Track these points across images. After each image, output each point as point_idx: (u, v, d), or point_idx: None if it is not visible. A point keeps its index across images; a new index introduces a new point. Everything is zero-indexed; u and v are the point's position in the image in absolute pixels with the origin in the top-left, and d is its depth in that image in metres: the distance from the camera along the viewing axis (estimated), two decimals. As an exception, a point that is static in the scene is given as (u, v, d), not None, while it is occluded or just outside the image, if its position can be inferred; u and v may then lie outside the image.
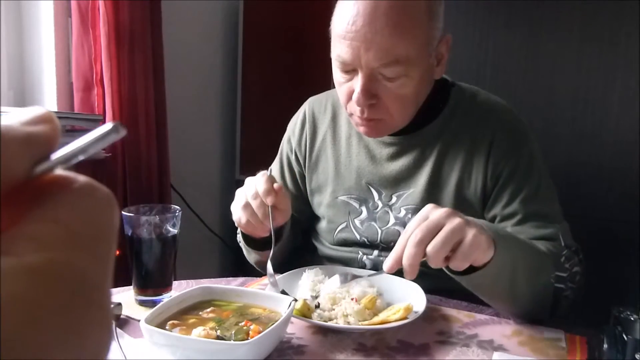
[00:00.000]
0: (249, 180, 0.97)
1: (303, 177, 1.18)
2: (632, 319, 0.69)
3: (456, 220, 0.75)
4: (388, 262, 0.77)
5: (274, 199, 0.93)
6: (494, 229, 0.81)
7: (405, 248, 0.75)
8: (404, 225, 1.05)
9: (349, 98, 0.96)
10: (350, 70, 0.94)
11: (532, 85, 1.77)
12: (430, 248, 0.74)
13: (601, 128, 1.71)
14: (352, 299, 0.86)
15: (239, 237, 1.12)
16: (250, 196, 0.94)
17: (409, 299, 0.87)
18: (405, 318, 0.82)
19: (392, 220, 1.06)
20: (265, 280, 1.02)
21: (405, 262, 0.75)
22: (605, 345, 0.70)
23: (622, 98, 1.68)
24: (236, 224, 1.01)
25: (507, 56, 1.79)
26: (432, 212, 0.77)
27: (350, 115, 1.01)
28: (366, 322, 0.82)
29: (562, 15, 1.73)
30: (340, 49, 0.93)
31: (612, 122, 1.70)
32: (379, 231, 1.07)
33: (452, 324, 0.87)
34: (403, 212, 1.05)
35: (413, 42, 0.91)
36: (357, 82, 0.93)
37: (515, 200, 1.00)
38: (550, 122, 1.74)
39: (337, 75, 0.98)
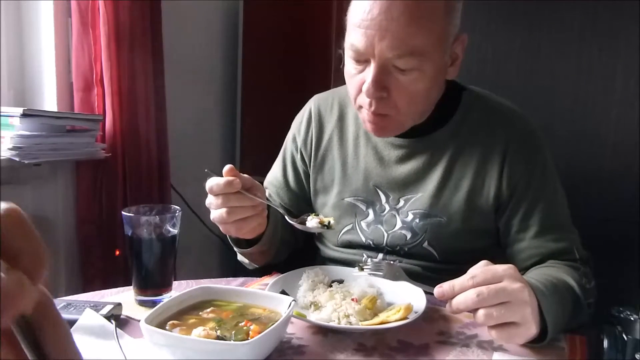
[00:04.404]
0: (210, 192, 0.91)
1: (308, 176, 1.16)
2: (632, 319, 0.69)
3: (527, 311, 0.74)
4: (442, 291, 0.77)
5: (238, 182, 0.88)
6: (543, 301, 0.78)
7: (466, 291, 0.74)
8: (410, 229, 1.04)
9: (359, 90, 0.94)
10: (362, 60, 0.93)
11: (532, 86, 1.77)
12: (484, 312, 0.73)
13: (601, 129, 1.71)
14: (352, 299, 0.86)
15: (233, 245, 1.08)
16: (220, 203, 0.90)
17: (409, 299, 0.87)
18: (406, 318, 0.82)
19: (398, 224, 1.05)
20: (265, 280, 1.02)
21: (457, 303, 0.75)
22: (605, 345, 0.70)
23: (621, 99, 1.68)
24: (226, 232, 0.98)
25: (507, 56, 1.79)
26: (510, 284, 0.74)
27: (359, 108, 0.99)
28: (366, 322, 0.82)
29: (562, 15, 1.73)
30: (354, 38, 0.91)
31: (612, 122, 1.70)
32: (385, 234, 1.06)
33: (452, 324, 0.87)
34: (410, 217, 1.04)
35: (429, 35, 0.89)
36: (369, 73, 0.91)
37: (533, 212, 1.00)
38: (550, 122, 1.74)
39: (349, 66, 0.96)
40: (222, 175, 0.90)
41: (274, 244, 1.07)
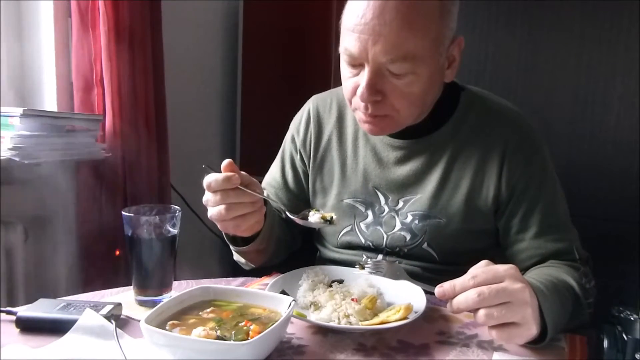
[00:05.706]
0: (208, 189, 0.89)
1: (307, 176, 1.16)
2: (632, 319, 0.69)
3: (528, 311, 0.74)
4: (443, 290, 0.77)
5: (237, 178, 0.86)
6: (543, 301, 0.78)
7: (467, 291, 0.74)
8: (410, 230, 1.04)
9: (354, 93, 0.94)
10: (357, 64, 0.93)
11: (532, 85, 1.77)
12: (485, 312, 0.73)
13: (601, 128, 1.71)
14: (352, 299, 0.86)
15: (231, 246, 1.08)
16: (219, 200, 0.88)
17: (409, 298, 0.87)
18: (406, 318, 0.82)
19: (398, 226, 1.05)
20: (265, 280, 1.02)
21: (458, 303, 0.75)
22: (605, 345, 0.70)
23: (622, 98, 1.68)
24: (224, 230, 0.97)
25: (507, 56, 1.79)
26: (511, 285, 0.74)
27: (355, 110, 0.99)
28: (366, 322, 0.82)
29: (562, 15, 1.73)
30: (348, 42, 0.91)
31: (612, 122, 1.70)
32: (385, 236, 1.06)
33: (452, 324, 0.87)
34: (409, 218, 1.04)
35: (423, 39, 0.89)
36: (363, 77, 0.91)
37: (532, 212, 0.99)
38: (550, 122, 1.74)
39: (345, 70, 0.96)
40: (219, 171, 0.88)
41: (270, 243, 1.07)
